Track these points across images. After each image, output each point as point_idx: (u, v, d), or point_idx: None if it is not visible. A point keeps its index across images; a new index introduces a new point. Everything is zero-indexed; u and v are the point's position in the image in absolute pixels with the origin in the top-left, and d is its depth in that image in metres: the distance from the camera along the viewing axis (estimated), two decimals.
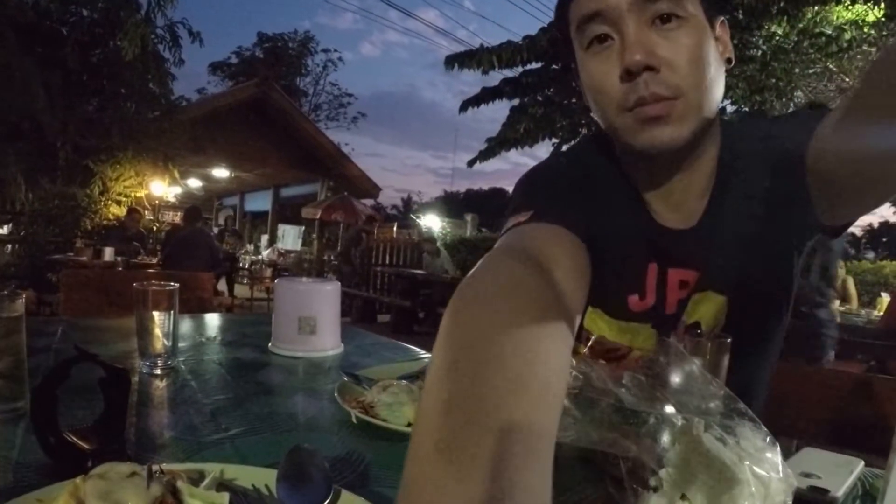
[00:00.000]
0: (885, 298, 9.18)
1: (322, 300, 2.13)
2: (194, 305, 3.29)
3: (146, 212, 14.69)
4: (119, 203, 13.78)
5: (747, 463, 0.82)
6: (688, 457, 0.82)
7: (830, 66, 10.66)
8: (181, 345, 2.05)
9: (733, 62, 1.28)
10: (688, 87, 1.16)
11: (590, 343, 1.45)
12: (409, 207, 44.42)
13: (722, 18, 1.27)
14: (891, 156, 0.82)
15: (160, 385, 1.63)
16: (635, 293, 1.41)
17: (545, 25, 11.60)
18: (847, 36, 9.58)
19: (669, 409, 0.86)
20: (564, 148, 12.80)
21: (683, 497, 0.81)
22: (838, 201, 1.17)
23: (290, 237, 25.12)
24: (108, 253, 9.83)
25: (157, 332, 1.73)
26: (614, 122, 1.25)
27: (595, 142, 1.47)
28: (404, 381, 1.48)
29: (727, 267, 1.34)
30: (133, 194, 14.07)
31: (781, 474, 0.83)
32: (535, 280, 0.86)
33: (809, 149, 1.15)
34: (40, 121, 12.03)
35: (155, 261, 10.77)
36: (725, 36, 1.27)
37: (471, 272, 0.85)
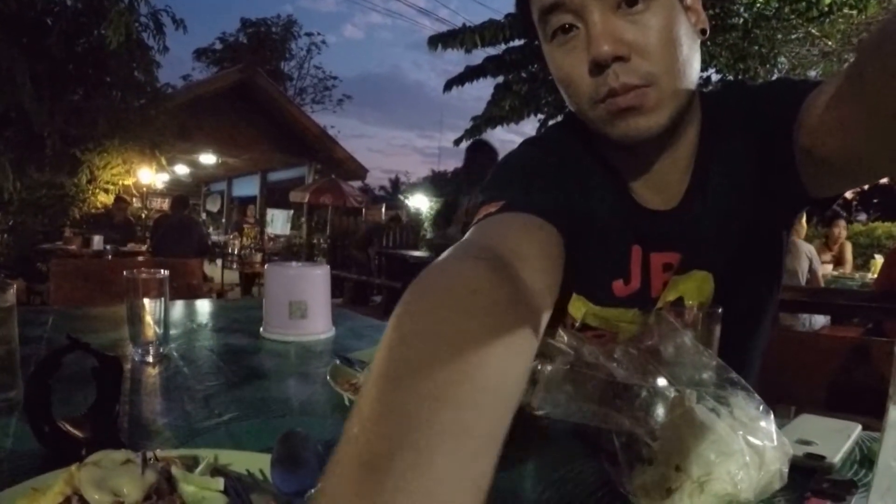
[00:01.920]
0: (879, 260, 9.19)
1: (312, 284, 2.12)
2: (184, 292, 3.29)
3: (134, 199, 14.65)
4: (107, 191, 13.74)
5: (741, 432, 0.82)
6: (681, 429, 0.82)
7: (812, 31, 10.65)
8: (172, 332, 2.05)
9: (708, 32, 1.23)
10: (661, 73, 1.12)
11: (574, 329, 1.38)
12: (397, 188, 44.24)
13: None
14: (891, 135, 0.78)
15: (152, 372, 1.62)
16: (619, 278, 1.37)
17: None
18: (827, 0, 9.57)
19: (662, 381, 0.86)
20: (550, 123, 12.79)
21: (678, 468, 0.81)
22: (831, 176, 1.13)
23: (279, 222, 25.08)
24: (97, 241, 9.81)
25: (148, 319, 1.73)
26: (587, 113, 1.21)
27: (570, 126, 1.41)
28: None
29: (712, 247, 1.31)
30: (121, 182, 14.02)
31: (776, 442, 0.83)
32: (490, 280, 0.80)
33: (799, 122, 1.09)
34: (27, 110, 11.96)
35: (144, 248, 10.76)
36: (697, 5, 1.21)
37: (423, 271, 0.81)
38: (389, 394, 0.58)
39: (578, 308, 1.40)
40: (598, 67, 1.11)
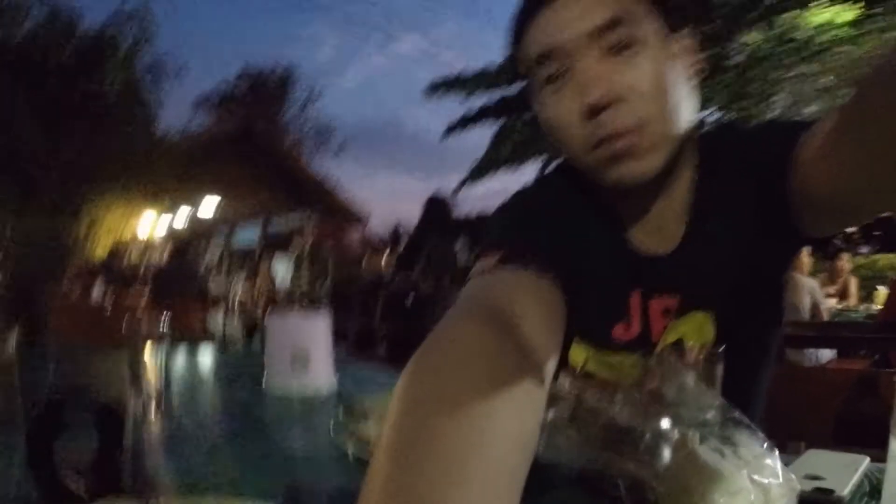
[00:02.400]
0: (882, 291, 9.18)
1: (314, 332, 2.11)
2: (186, 340, 3.29)
3: (135, 245, 14.69)
4: (107, 237, 13.77)
5: (745, 471, 0.81)
6: (686, 470, 0.82)
7: (807, 70, 10.72)
8: (175, 382, 2.04)
9: (706, 72, 1.22)
10: (654, 116, 1.11)
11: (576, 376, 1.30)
12: (398, 234, 44.31)
13: (687, 29, 1.21)
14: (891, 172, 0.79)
15: (154, 423, 1.62)
16: (621, 323, 1.33)
17: None
18: (818, 41, 9.66)
19: (665, 423, 0.85)
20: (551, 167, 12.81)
21: None
22: (829, 214, 1.13)
23: (280, 269, 25.11)
24: (98, 288, 9.82)
25: (150, 366, 1.72)
26: (580, 159, 1.20)
27: (564, 172, 1.39)
28: None
29: (711, 290, 1.28)
30: (121, 229, 14.06)
31: (782, 479, 0.83)
32: (495, 343, 0.80)
33: (795, 162, 1.08)
34: (26, 158, 12.03)
35: (145, 295, 10.77)
36: (691, 48, 1.22)
37: (428, 336, 0.81)
38: (399, 475, 0.58)
39: (579, 354, 1.37)
40: (592, 112, 1.10)
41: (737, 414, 0.88)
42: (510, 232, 1.27)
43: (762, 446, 0.86)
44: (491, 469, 0.60)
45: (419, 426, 0.64)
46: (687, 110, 1.17)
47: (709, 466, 0.81)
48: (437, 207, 7.42)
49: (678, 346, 1.28)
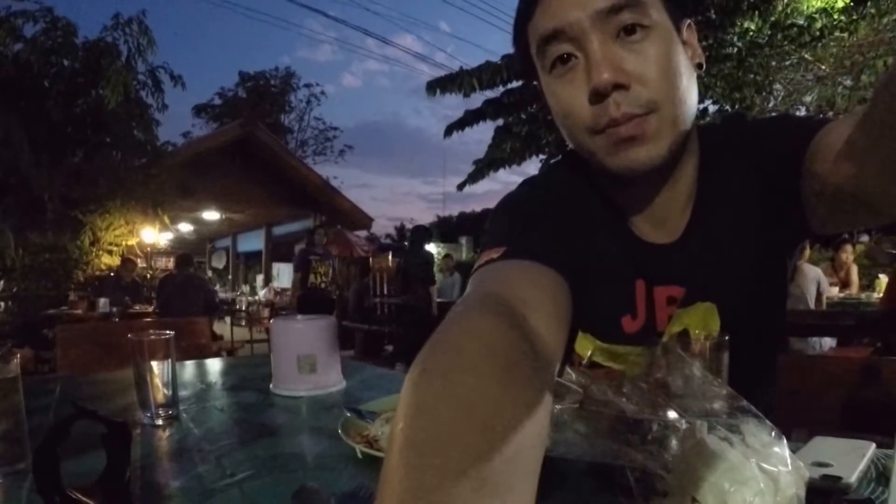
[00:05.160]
0: (883, 280, 9.19)
1: (319, 337, 2.12)
2: (193, 352, 3.29)
3: (139, 259, 14.69)
4: (111, 253, 13.77)
5: (754, 460, 0.81)
6: (694, 460, 0.82)
7: (806, 56, 10.72)
8: (182, 393, 2.04)
9: (704, 66, 1.25)
10: (661, 101, 1.13)
11: (582, 367, 1.37)
12: (402, 235, 44.42)
13: (688, 21, 1.24)
14: None
15: (163, 435, 1.62)
16: (627, 313, 1.35)
17: None
18: (818, 24, 9.65)
19: (672, 413, 0.85)
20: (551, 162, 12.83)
21: (694, 500, 0.81)
22: (843, 214, 1.14)
23: (285, 275, 25.04)
24: (103, 304, 9.82)
25: (156, 381, 1.72)
26: (587, 145, 1.21)
27: (569, 164, 1.42)
28: None
29: (714, 279, 1.31)
30: (124, 243, 14.06)
31: (790, 467, 0.83)
32: (506, 336, 0.81)
33: (810, 160, 1.11)
34: (26, 175, 12.03)
35: (150, 309, 10.76)
36: (693, 39, 1.24)
37: (437, 330, 0.81)
38: (414, 476, 0.57)
39: (585, 346, 1.37)
40: (598, 96, 1.12)
41: (744, 403, 0.88)
42: (515, 226, 1.27)
43: (770, 434, 0.86)
44: (506, 466, 0.60)
45: (432, 427, 0.63)
46: (691, 100, 1.19)
47: (717, 455, 0.81)
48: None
49: (684, 336, 1.28)
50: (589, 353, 1.37)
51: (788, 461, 0.83)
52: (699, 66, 1.24)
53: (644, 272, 1.34)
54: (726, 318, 1.30)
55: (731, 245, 1.30)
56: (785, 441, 0.85)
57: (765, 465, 0.81)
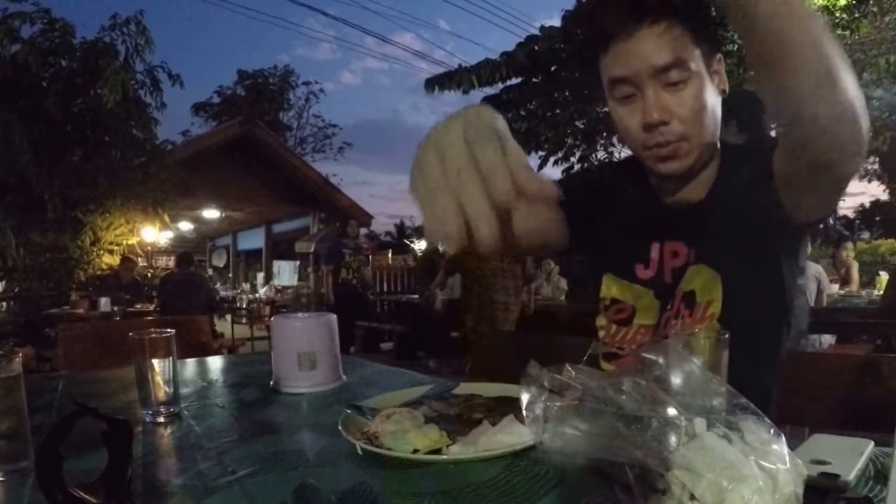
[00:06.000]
0: (884, 277, 9.21)
1: (320, 334, 2.12)
2: (193, 349, 3.29)
3: (139, 259, 14.66)
4: (111, 252, 13.74)
5: (752, 457, 0.82)
6: (692, 457, 0.82)
7: None
8: (183, 390, 2.04)
9: (727, 90, 1.66)
10: (692, 132, 1.59)
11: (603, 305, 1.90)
12: (402, 233, 44.35)
13: (719, 56, 1.66)
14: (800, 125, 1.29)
15: (164, 433, 1.62)
16: (641, 262, 1.82)
17: (522, 41, 11.62)
18: None
19: (672, 411, 0.85)
20: (552, 160, 12.93)
21: (692, 498, 0.81)
22: (800, 195, 1.52)
23: (285, 273, 25.02)
24: (104, 303, 9.79)
25: (158, 379, 1.72)
26: (640, 155, 1.69)
27: (628, 160, 1.91)
28: (407, 409, 1.48)
29: (716, 247, 1.67)
30: (124, 242, 14.04)
31: (789, 465, 0.83)
32: None
33: (774, 166, 1.53)
34: (26, 175, 12.01)
35: (151, 308, 10.74)
36: (721, 69, 1.66)
37: None
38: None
39: (609, 286, 1.89)
40: (649, 128, 1.59)
41: (743, 401, 0.88)
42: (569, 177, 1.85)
43: (769, 432, 0.86)
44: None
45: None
46: (715, 122, 1.64)
47: (716, 452, 0.81)
48: None
49: (690, 298, 1.72)
50: (610, 291, 1.88)
51: (787, 459, 0.83)
52: (723, 91, 1.66)
53: (660, 231, 1.79)
54: (727, 290, 1.67)
55: (732, 220, 1.63)
56: (784, 439, 0.85)
57: (763, 463, 0.81)
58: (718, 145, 1.72)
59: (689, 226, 1.72)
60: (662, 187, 1.79)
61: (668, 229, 1.78)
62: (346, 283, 11.69)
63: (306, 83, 42.90)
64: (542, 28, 11.58)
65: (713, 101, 1.61)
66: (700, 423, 0.84)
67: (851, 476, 1.04)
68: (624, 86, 1.61)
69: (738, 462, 0.81)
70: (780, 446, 0.84)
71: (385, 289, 16.56)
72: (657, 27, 1.53)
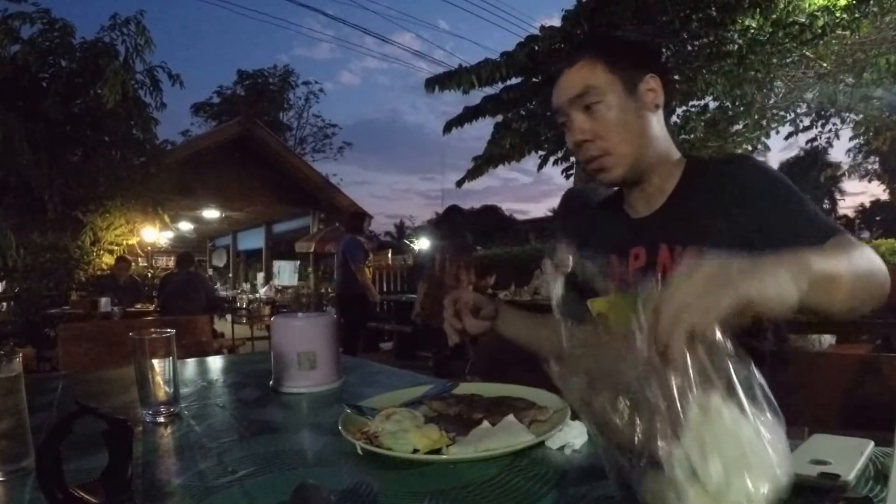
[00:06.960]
0: None
1: (319, 334, 2.12)
2: (193, 349, 3.29)
3: (140, 259, 14.65)
4: (111, 252, 13.71)
5: (755, 442, 0.82)
6: (700, 437, 0.82)
7: (807, 54, 10.66)
8: (183, 390, 2.04)
9: (661, 105, 1.85)
10: (612, 147, 1.80)
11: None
12: (402, 233, 44.34)
13: (649, 75, 1.82)
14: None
15: (164, 433, 1.62)
16: (610, 276, 1.92)
17: (522, 41, 11.60)
18: (820, 22, 9.59)
19: (681, 395, 0.85)
20: (551, 160, 12.95)
21: (695, 476, 0.81)
22: None
23: (285, 273, 25.01)
24: (104, 303, 9.77)
25: (158, 379, 1.72)
26: (584, 169, 1.92)
27: None
28: (407, 409, 1.48)
29: (668, 243, 1.78)
30: (125, 242, 14.02)
31: (786, 454, 0.83)
32: None
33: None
34: (26, 175, 11.99)
35: (151, 308, 10.74)
36: (656, 85, 1.83)
37: None
38: None
39: (597, 304, 1.90)
40: (577, 146, 1.85)
41: (757, 391, 0.88)
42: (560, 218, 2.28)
43: (772, 420, 0.86)
44: None
45: None
46: (645, 135, 1.83)
47: (721, 436, 0.81)
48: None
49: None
50: (597, 308, 1.89)
51: (786, 447, 0.84)
52: (657, 106, 1.84)
53: (625, 241, 1.91)
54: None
55: (684, 225, 1.77)
56: (784, 428, 0.85)
57: (766, 450, 0.82)
58: (678, 157, 1.92)
59: (643, 231, 1.89)
60: (628, 201, 2.00)
61: (632, 237, 1.91)
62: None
63: (306, 83, 42.93)
64: (542, 28, 11.54)
65: (635, 116, 1.81)
66: (716, 399, 0.85)
67: (851, 476, 1.05)
68: (559, 115, 1.89)
69: (741, 446, 0.81)
70: (781, 435, 0.85)
71: (385, 289, 16.54)
72: (576, 66, 1.83)
